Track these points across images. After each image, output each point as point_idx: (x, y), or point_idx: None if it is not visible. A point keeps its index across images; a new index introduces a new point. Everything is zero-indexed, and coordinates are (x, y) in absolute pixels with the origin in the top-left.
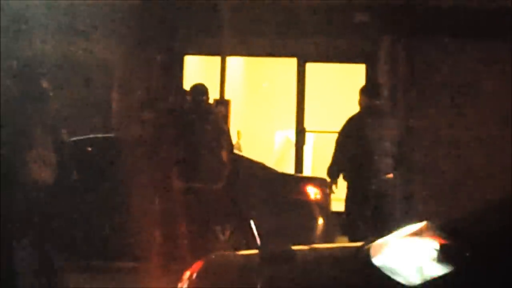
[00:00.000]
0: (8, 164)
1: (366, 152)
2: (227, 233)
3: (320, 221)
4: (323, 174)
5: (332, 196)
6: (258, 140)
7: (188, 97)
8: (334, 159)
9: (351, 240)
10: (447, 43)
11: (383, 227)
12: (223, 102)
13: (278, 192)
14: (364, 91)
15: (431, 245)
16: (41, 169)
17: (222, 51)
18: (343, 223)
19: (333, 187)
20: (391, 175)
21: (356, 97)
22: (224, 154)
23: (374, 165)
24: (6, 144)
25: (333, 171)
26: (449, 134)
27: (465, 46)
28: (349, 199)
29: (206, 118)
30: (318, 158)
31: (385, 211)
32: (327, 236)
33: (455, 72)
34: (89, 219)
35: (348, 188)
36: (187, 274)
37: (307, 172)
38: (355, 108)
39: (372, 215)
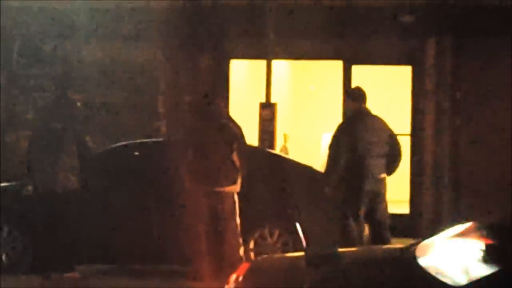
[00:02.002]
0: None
1: (358, 155)
2: (275, 236)
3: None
4: None
5: None
6: (305, 143)
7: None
8: (330, 166)
9: (345, 244)
10: (494, 43)
11: (379, 227)
12: (269, 106)
13: (325, 195)
14: (350, 96)
15: (477, 245)
16: (71, 177)
17: (267, 55)
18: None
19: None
20: (384, 175)
21: (396, 99)
22: (236, 158)
23: (367, 167)
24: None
25: (331, 179)
26: (496, 132)
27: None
28: (344, 201)
29: (217, 122)
30: None
31: (381, 210)
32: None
33: (502, 73)
34: (132, 223)
35: (344, 190)
36: (233, 276)
37: None
38: (402, 110)
39: (367, 215)
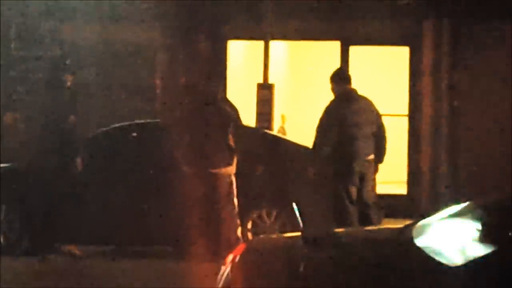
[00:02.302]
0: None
1: (347, 136)
2: (273, 216)
3: None
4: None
5: (377, 179)
6: (303, 123)
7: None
8: (318, 145)
9: (340, 225)
10: (491, 26)
11: (365, 208)
12: (267, 86)
13: (322, 175)
14: (335, 78)
15: (474, 225)
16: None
17: (265, 36)
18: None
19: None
20: (372, 156)
21: (393, 80)
22: (231, 140)
23: (355, 148)
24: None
25: (319, 156)
26: (492, 115)
27: (507, 29)
28: (335, 183)
29: (212, 104)
30: None
31: (367, 192)
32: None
33: (499, 55)
34: (130, 204)
35: (334, 172)
36: (230, 256)
37: None
38: (400, 91)
39: (356, 195)
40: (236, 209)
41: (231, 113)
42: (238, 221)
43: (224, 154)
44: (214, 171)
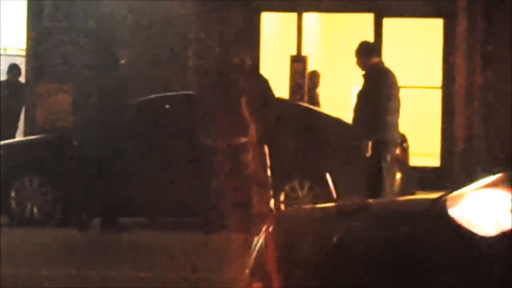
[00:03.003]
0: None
1: (387, 109)
2: (305, 188)
3: (398, 175)
4: (402, 128)
5: (410, 151)
6: (335, 96)
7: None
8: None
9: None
10: None
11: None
12: (300, 59)
13: (355, 147)
14: (361, 52)
15: (507, 196)
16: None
17: (298, 8)
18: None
19: None
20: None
21: (427, 52)
22: (246, 112)
23: (394, 119)
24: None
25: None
26: None
27: None
28: (374, 153)
29: (228, 77)
30: None
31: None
32: (406, 190)
33: None
34: (162, 176)
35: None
36: (264, 227)
37: None
38: (433, 63)
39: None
40: (269, 180)
41: (246, 84)
42: (271, 193)
43: (241, 125)
44: (227, 142)
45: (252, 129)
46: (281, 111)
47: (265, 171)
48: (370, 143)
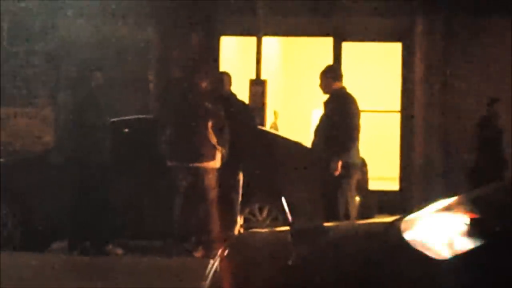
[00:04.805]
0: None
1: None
2: (264, 212)
3: (357, 199)
4: (362, 152)
5: (370, 175)
6: (295, 119)
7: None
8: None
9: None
10: (483, 22)
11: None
12: (259, 82)
13: (314, 170)
14: (329, 74)
15: (462, 219)
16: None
17: (258, 31)
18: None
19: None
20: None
21: (385, 76)
22: (212, 136)
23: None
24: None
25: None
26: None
27: (501, 24)
28: (338, 177)
29: (194, 100)
30: None
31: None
32: (365, 214)
33: (491, 51)
34: (122, 199)
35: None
36: (220, 250)
37: None
38: (392, 87)
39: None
40: (238, 206)
41: (212, 109)
42: (237, 217)
43: (206, 149)
44: (194, 165)
45: (218, 153)
46: (241, 135)
47: (236, 197)
48: (340, 163)
